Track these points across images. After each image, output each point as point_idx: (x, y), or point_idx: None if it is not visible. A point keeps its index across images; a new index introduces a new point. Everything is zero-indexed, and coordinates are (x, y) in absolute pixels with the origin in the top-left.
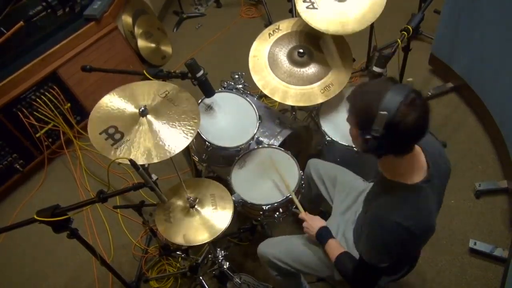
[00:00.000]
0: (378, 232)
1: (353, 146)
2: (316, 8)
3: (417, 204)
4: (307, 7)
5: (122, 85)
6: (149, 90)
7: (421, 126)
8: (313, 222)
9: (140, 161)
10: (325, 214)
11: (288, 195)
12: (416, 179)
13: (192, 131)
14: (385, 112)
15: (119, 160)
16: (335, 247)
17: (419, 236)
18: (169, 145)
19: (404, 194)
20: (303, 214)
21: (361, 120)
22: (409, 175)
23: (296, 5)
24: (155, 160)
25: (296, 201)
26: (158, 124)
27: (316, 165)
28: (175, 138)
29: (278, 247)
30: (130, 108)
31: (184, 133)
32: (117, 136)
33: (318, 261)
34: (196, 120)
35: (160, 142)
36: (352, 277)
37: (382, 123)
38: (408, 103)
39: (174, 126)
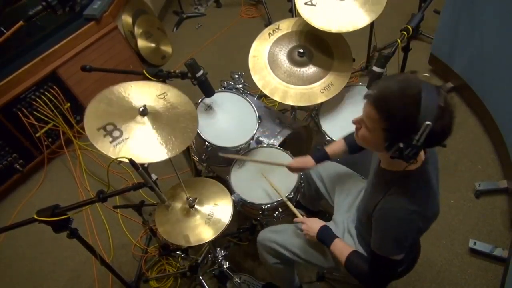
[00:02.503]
0: (395, 224)
1: None
2: (314, 5)
3: (424, 186)
4: (306, 3)
5: (121, 83)
6: (148, 91)
7: (451, 124)
8: (312, 224)
9: (138, 160)
10: (325, 214)
11: (288, 194)
12: (418, 163)
13: (191, 134)
14: (429, 123)
15: (119, 159)
16: (342, 247)
17: (431, 218)
18: (167, 147)
19: (411, 181)
20: (300, 218)
21: (399, 129)
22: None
23: (295, 2)
24: (153, 161)
25: (291, 206)
26: (156, 125)
27: None
28: (172, 140)
29: (281, 234)
30: (129, 107)
31: (183, 135)
32: (116, 133)
33: (321, 250)
34: (194, 123)
35: (158, 143)
36: (369, 275)
37: (425, 133)
38: (443, 105)
39: (172, 128)
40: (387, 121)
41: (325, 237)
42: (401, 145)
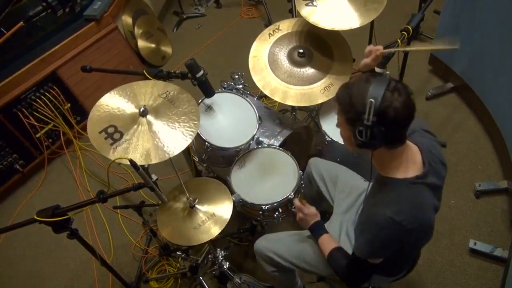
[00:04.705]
0: (372, 228)
1: None
2: (315, 6)
3: (410, 199)
4: (306, 4)
5: (122, 85)
6: (149, 90)
7: (408, 109)
8: (307, 217)
9: (139, 161)
10: (325, 214)
11: (288, 194)
12: (410, 175)
13: (192, 133)
14: (372, 100)
15: (119, 160)
16: (328, 242)
17: (412, 231)
18: (167, 147)
19: (397, 190)
20: (299, 205)
21: (351, 114)
22: (402, 170)
23: (296, 3)
24: (154, 161)
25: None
26: (157, 125)
27: (317, 164)
28: (174, 140)
29: (278, 243)
30: (130, 108)
31: (184, 134)
32: (117, 135)
33: (320, 258)
34: (196, 122)
35: (159, 143)
36: (345, 271)
37: (372, 110)
38: (392, 89)
39: (173, 127)
40: (344, 111)
41: (315, 231)
42: (360, 128)
